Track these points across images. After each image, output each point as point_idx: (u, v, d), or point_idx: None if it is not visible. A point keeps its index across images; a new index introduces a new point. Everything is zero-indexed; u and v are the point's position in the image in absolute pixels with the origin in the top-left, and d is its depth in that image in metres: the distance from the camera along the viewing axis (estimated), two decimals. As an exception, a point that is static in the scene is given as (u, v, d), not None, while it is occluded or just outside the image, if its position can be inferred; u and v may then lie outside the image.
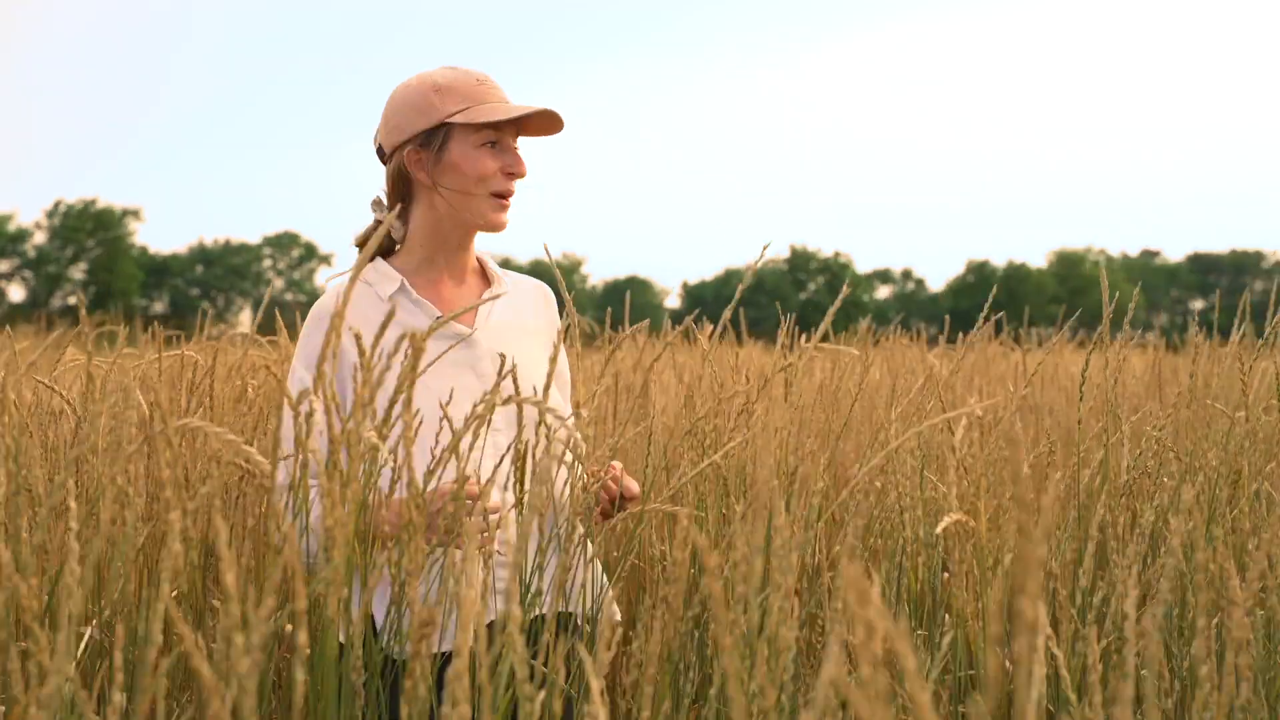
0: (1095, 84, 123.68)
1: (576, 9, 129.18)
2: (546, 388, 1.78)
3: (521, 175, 2.07)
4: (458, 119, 2.00)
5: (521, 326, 2.12)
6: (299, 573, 1.17)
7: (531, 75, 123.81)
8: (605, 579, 1.98)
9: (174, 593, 2.02)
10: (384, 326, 1.57)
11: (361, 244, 2.18)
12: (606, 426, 2.94)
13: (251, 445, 2.07)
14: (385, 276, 2.07)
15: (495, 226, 2.07)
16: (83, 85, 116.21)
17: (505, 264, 2.29)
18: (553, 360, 1.82)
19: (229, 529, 2.01)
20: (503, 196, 2.06)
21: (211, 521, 1.95)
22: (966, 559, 1.72)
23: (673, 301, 73.77)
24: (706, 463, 1.96)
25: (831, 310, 2.12)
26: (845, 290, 2.13)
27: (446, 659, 1.83)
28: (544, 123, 2.09)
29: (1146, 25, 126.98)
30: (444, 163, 2.03)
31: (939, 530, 1.45)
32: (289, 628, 1.53)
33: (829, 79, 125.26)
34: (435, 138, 2.03)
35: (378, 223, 2.16)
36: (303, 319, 2.11)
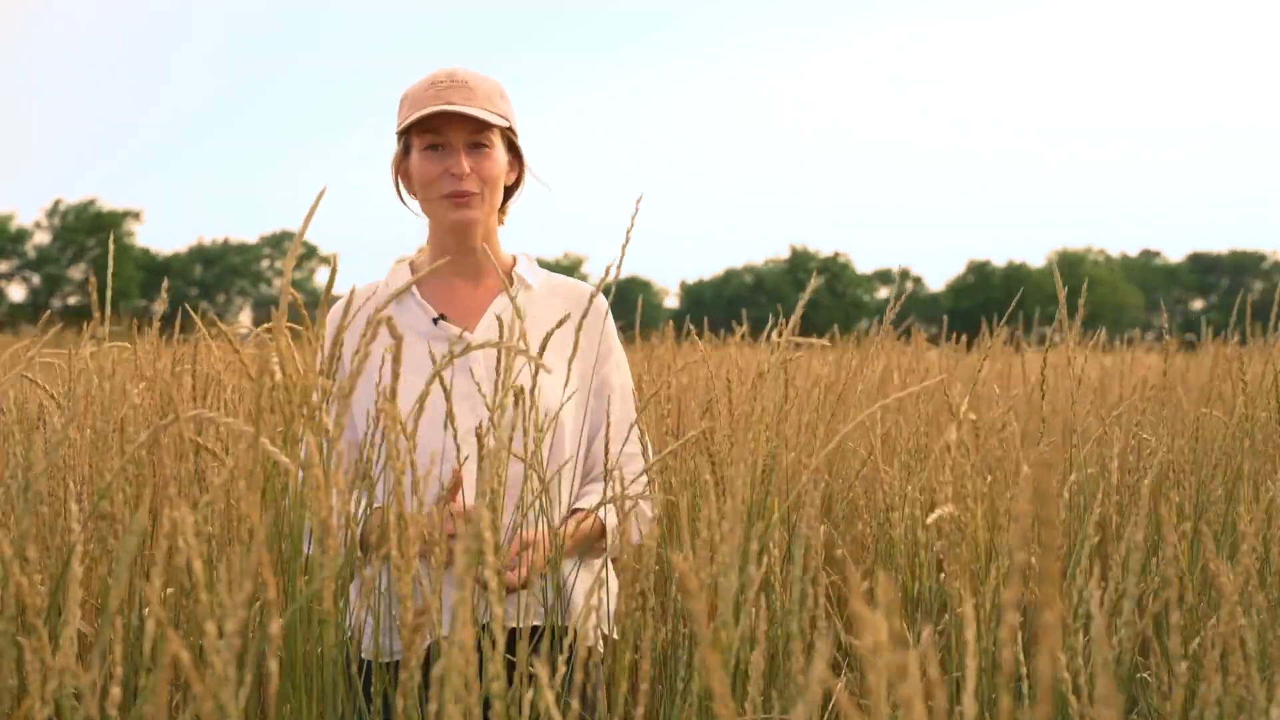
0: (1095, 84, 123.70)
1: (576, 9, 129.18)
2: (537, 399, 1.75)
3: (461, 174, 2.04)
4: (400, 128, 2.09)
5: (534, 332, 2.02)
6: (267, 561, 1.18)
7: (532, 75, 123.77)
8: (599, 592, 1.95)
9: (169, 589, 2.03)
10: (375, 323, 1.58)
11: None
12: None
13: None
14: (399, 277, 2.14)
15: (454, 227, 2.07)
16: (83, 85, 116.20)
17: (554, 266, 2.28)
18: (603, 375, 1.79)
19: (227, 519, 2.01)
20: (453, 197, 2.05)
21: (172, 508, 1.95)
22: (963, 557, 1.73)
23: (672, 302, 73.63)
24: (673, 446, 1.96)
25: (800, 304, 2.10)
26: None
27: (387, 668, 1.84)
28: (476, 117, 2.04)
29: (1146, 25, 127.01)
30: (410, 171, 2.11)
31: (930, 520, 1.45)
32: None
33: (829, 79, 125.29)
34: (401, 148, 2.13)
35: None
36: (305, 319, 2.13)
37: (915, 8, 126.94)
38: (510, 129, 2.11)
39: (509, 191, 2.18)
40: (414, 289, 2.08)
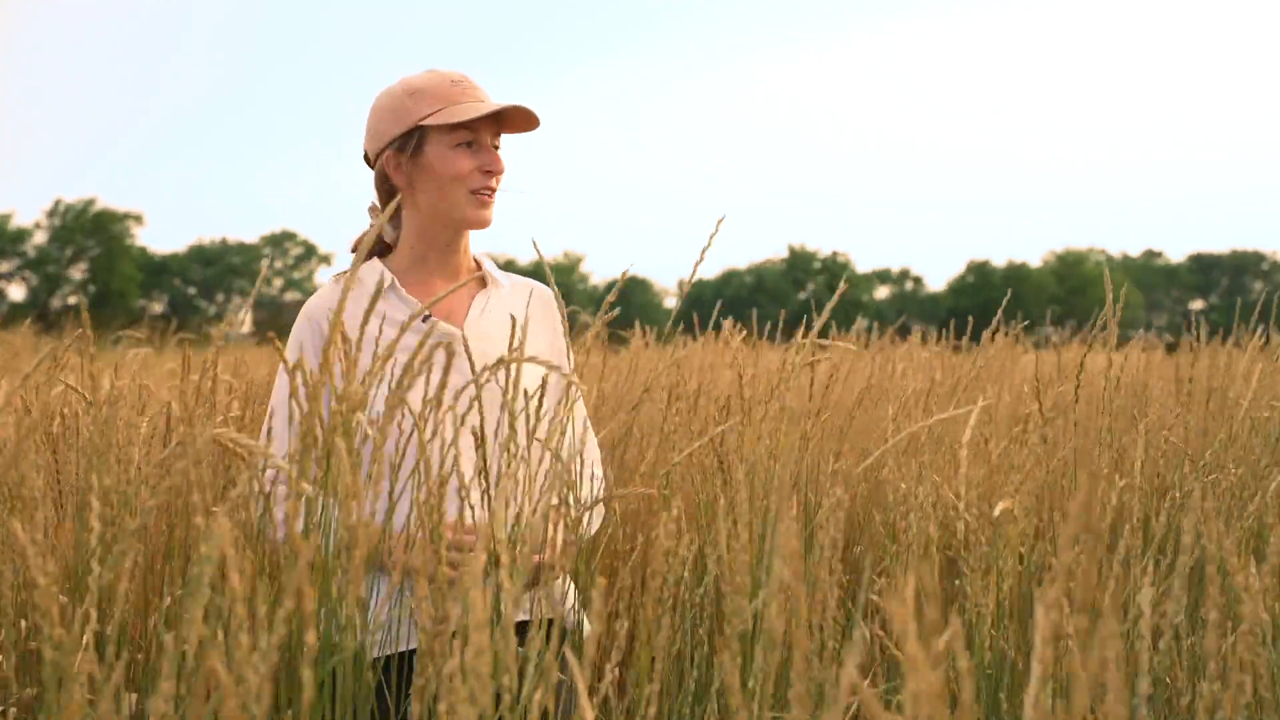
0: (1096, 84, 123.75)
1: (575, 9, 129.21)
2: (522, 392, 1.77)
3: (499, 172, 2.09)
4: (430, 121, 2.05)
5: (507, 328, 2.05)
6: (305, 573, 1.19)
7: (531, 75, 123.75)
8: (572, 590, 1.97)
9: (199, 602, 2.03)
10: (367, 315, 1.60)
11: (356, 247, 2.22)
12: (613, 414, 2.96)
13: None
14: (376, 274, 2.12)
15: (478, 223, 2.10)
16: (83, 85, 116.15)
17: (508, 266, 2.32)
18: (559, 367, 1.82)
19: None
20: (482, 193, 2.08)
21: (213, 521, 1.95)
22: (985, 555, 1.72)
23: (671, 302, 73.55)
24: (695, 444, 1.96)
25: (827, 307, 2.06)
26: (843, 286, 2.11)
27: (404, 658, 1.86)
28: (520, 120, 2.11)
29: (1147, 25, 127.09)
30: (420, 164, 2.09)
31: (996, 513, 1.47)
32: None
33: (829, 79, 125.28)
34: (410, 141, 2.09)
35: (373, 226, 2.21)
36: None
37: (915, 8, 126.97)
38: None
39: None
40: (398, 285, 2.08)
